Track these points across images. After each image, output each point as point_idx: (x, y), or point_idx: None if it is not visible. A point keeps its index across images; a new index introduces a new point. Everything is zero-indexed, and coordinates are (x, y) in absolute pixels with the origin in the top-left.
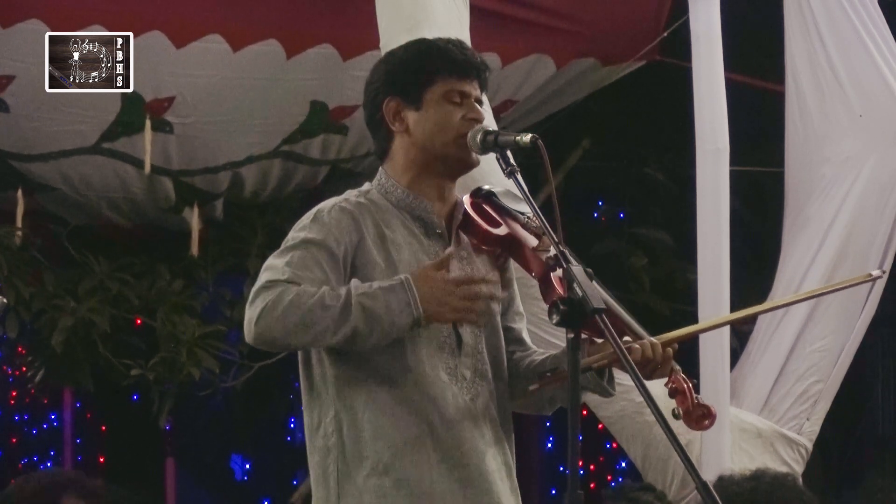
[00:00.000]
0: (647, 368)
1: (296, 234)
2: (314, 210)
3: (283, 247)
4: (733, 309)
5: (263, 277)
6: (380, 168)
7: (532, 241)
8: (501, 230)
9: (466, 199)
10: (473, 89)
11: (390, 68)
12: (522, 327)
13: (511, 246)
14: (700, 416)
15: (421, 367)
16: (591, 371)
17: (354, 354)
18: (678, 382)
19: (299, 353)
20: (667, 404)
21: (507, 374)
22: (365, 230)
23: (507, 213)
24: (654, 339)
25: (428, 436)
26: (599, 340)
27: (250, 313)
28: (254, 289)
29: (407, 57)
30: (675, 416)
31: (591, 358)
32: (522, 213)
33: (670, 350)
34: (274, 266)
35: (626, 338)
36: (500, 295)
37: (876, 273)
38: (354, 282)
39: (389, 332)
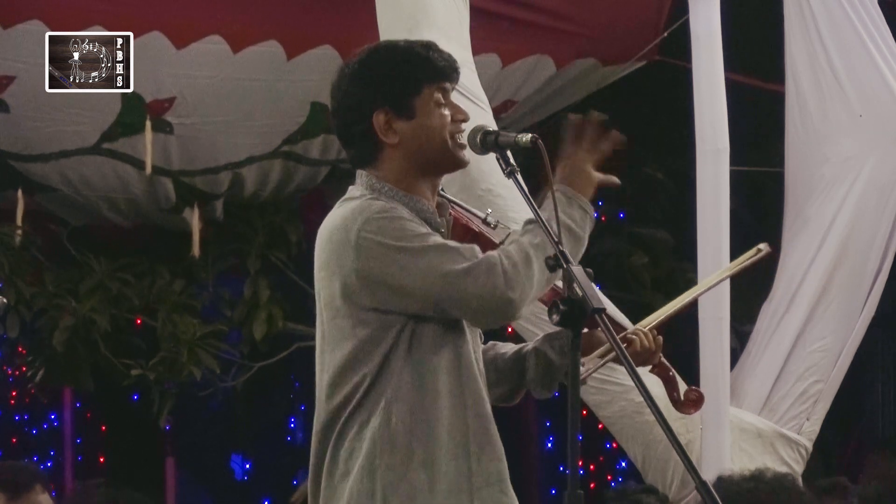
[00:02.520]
0: (642, 356)
1: (391, 228)
2: (375, 209)
3: (403, 243)
4: (734, 310)
5: (454, 262)
6: (363, 174)
7: (497, 236)
8: (475, 226)
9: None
10: (452, 88)
11: (375, 79)
12: None
13: (482, 241)
14: (693, 400)
15: (469, 360)
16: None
17: (412, 347)
18: (669, 369)
19: (327, 345)
20: (667, 404)
21: None
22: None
23: (464, 209)
24: (643, 329)
25: (473, 430)
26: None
27: (486, 289)
28: (460, 270)
29: (391, 67)
30: (672, 402)
31: (593, 353)
32: (478, 214)
33: (661, 337)
34: (445, 248)
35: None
36: None
37: (763, 246)
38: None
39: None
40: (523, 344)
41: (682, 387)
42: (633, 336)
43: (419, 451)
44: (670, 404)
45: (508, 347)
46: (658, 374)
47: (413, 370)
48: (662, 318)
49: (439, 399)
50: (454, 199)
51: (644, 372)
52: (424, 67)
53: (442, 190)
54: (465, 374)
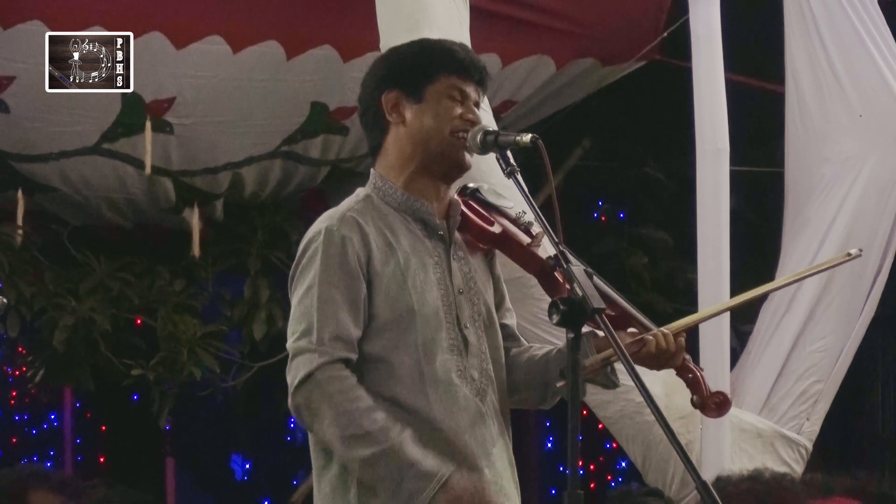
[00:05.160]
0: (660, 359)
1: (310, 260)
2: (322, 228)
3: (303, 284)
4: (734, 310)
5: (295, 338)
6: (372, 171)
7: (525, 237)
8: (496, 228)
9: (457, 197)
10: (473, 91)
11: (392, 63)
12: (514, 323)
13: (505, 244)
14: (717, 404)
15: (436, 371)
16: (606, 367)
17: (375, 364)
18: (693, 372)
19: None
20: (667, 404)
21: (505, 371)
22: (372, 240)
23: (496, 209)
24: (664, 330)
25: (444, 440)
26: (602, 333)
27: (290, 379)
28: (290, 348)
29: (411, 52)
30: (695, 406)
31: (603, 354)
32: (509, 209)
33: (682, 339)
34: (300, 319)
35: (632, 329)
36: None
37: (854, 252)
38: (405, 435)
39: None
40: (552, 347)
41: (708, 390)
42: (650, 338)
43: None
44: (671, 405)
45: (540, 350)
46: (680, 376)
47: (380, 387)
48: (698, 319)
49: (408, 414)
50: (486, 198)
51: (645, 372)
52: (444, 57)
53: (478, 191)
54: (431, 386)
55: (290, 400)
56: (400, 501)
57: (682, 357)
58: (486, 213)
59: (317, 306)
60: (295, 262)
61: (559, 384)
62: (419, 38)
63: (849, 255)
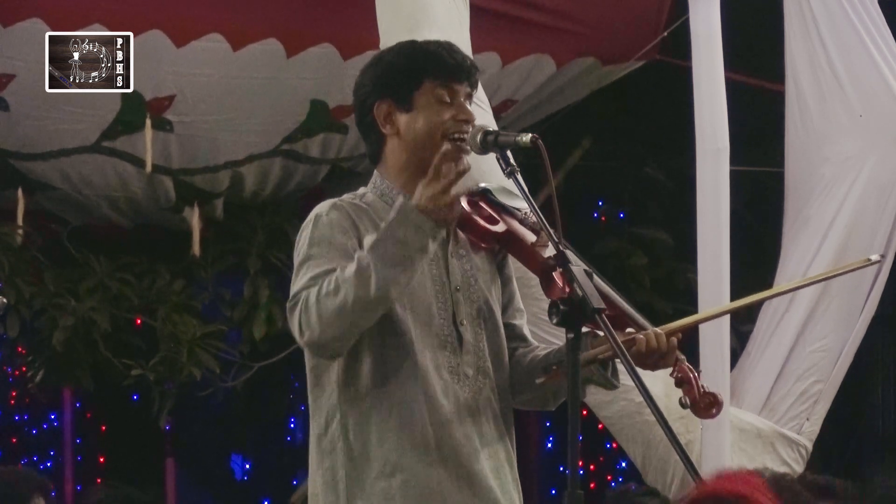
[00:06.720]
0: (651, 358)
1: (300, 246)
2: (312, 215)
3: (296, 265)
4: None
5: (290, 295)
6: (374, 171)
7: (530, 237)
8: (499, 227)
9: (463, 198)
10: (464, 88)
11: (380, 71)
12: (523, 323)
13: (509, 243)
14: (707, 405)
15: (424, 367)
16: (596, 363)
17: (359, 355)
18: (684, 372)
19: (306, 356)
20: (667, 404)
21: (509, 370)
22: (362, 229)
23: (503, 209)
24: (657, 330)
25: (432, 436)
26: (602, 333)
27: (293, 329)
28: (288, 306)
29: (397, 60)
30: (683, 406)
31: (594, 350)
32: (518, 209)
33: (674, 339)
34: (296, 284)
35: (630, 329)
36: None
37: (875, 257)
38: (366, 242)
39: (417, 259)
40: (554, 347)
41: (701, 391)
42: (640, 337)
43: (378, 461)
44: (671, 405)
45: (543, 351)
46: (672, 376)
47: (365, 379)
48: (697, 320)
49: (393, 407)
50: (495, 198)
51: (645, 372)
52: (428, 62)
53: (488, 191)
54: (417, 381)
55: (303, 344)
56: (424, 244)
57: (673, 357)
58: (492, 213)
59: (306, 275)
60: (294, 253)
61: (539, 381)
62: (405, 42)
63: (869, 260)
